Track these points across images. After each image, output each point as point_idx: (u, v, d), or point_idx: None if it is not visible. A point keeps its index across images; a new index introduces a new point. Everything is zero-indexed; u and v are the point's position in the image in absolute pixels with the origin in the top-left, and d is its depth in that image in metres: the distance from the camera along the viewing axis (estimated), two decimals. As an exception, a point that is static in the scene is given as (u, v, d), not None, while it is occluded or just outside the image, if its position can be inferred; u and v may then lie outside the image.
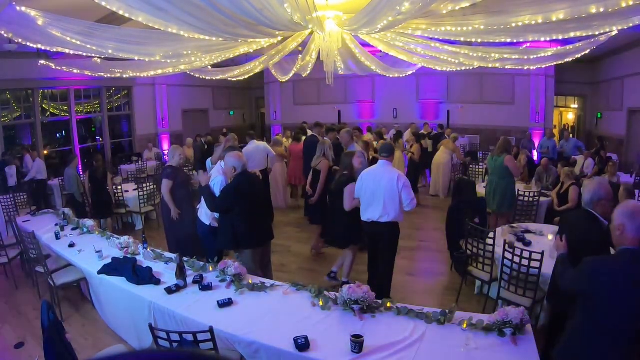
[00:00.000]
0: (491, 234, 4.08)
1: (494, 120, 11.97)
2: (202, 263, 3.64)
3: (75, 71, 6.36)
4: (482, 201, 5.55)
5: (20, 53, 7.51)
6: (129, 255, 3.88)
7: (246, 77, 8.54)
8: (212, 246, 4.23)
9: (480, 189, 6.37)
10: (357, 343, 2.32)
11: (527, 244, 4.06)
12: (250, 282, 3.24)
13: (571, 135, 10.45)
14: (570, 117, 14.92)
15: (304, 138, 7.33)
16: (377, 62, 7.37)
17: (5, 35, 4.23)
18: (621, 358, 2.00)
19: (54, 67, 6.18)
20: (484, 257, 3.99)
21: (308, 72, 7.92)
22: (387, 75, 9.22)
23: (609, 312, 1.98)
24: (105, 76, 6.95)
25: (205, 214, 4.32)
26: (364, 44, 6.24)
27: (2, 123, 9.19)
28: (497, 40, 4.83)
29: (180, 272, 3.23)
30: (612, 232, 2.10)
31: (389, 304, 2.82)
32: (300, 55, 6.96)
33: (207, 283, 3.24)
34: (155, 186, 7.30)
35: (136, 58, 5.43)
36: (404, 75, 9.41)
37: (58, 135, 11.25)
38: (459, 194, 5.77)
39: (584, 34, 4.29)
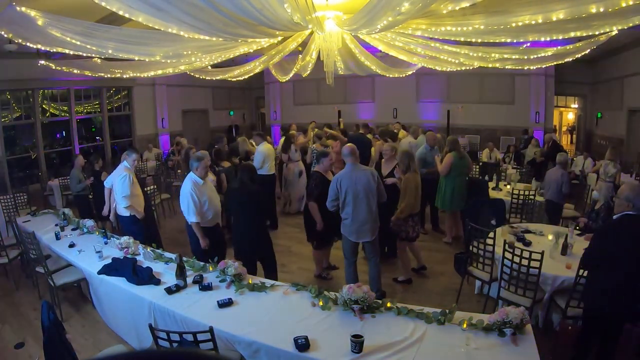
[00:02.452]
0: (491, 234, 4.08)
1: (494, 120, 11.97)
2: (202, 263, 3.64)
3: (75, 71, 6.35)
4: (500, 202, 5.57)
5: (20, 53, 7.50)
6: (129, 256, 3.88)
7: (246, 77, 8.53)
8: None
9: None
10: (357, 343, 2.32)
11: (527, 244, 4.06)
12: (250, 282, 3.24)
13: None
14: (570, 117, 14.93)
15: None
16: (377, 62, 7.37)
17: (5, 36, 4.22)
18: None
19: (54, 67, 6.17)
20: (484, 257, 3.99)
21: (308, 72, 7.92)
22: (387, 75, 9.21)
23: (621, 259, 2.68)
24: (105, 76, 6.94)
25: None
26: (365, 45, 6.25)
27: (2, 123, 9.19)
28: (497, 40, 4.83)
29: (180, 272, 3.23)
30: (618, 204, 2.81)
31: (389, 304, 2.82)
32: (300, 55, 6.96)
33: (207, 283, 3.24)
34: (155, 186, 7.31)
35: (136, 58, 5.43)
36: (404, 75, 9.40)
37: (58, 135, 11.24)
38: (475, 194, 5.85)
39: (584, 34, 4.29)
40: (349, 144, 4.10)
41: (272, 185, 6.86)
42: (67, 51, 4.62)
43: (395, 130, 9.20)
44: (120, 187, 4.65)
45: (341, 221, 4.05)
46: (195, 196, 3.90)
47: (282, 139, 8.13)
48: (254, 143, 7.26)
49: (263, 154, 6.63)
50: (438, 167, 5.81)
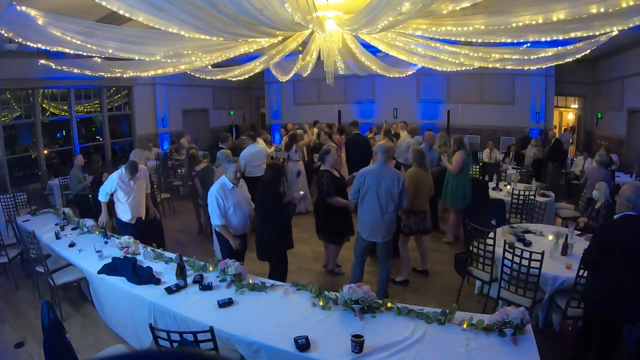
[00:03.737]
0: (491, 234, 4.08)
1: (494, 120, 11.96)
2: (202, 263, 3.64)
3: (75, 71, 6.35)
4: (500, 202, 5.61)
5: (20, 53, 7.50)
6: (129, 255, 3.88)
7: (246, 77, 8.53)
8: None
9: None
10: (358, 343, 2.32)
11: (527, 244, 4.06)
12: (250, 282, 3.24)
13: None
14: (570, 117, 14.92)
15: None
16: (377, 62, 7.37)
17: (6, 35, 4.22)
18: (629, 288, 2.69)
19: (54, 67, 6.17)
20: (484, 257, 3.99)
21: (308, 72, 7.91)
22: (387, 75, 9.21)
23: (620, 260, 2.70)
24: (106, 76, 6.94)
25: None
26: (365, 44, 6.24)
27: (2, 123, 9.18)
28: (498, 40, 4.83)
29: (181, 272, 3.24)
30: (620, 203, 2.83)
31: (389, 304, 2.82)
32: (300, 55, 6.96)
33: (207, 283, 3.24)
34: (155, 186, 7.30)
35: (136, 58, 5.42)
36: (404, 75, 9.39)
37: (58, 135, 11.23)
38: (475, 194, 5.89)
39: (584, 34, 4.28)
40: (381, 143, 4.31)
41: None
42: (67, 50, 4.62)
43: (400, 130, 9.27)
44: (105, 183, 4.76)
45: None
46: (219, 199, 3.80)
47: (285, 138, 8.08)
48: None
49: (245, 158, 6.43)
50: (447, 166, 5.80)
